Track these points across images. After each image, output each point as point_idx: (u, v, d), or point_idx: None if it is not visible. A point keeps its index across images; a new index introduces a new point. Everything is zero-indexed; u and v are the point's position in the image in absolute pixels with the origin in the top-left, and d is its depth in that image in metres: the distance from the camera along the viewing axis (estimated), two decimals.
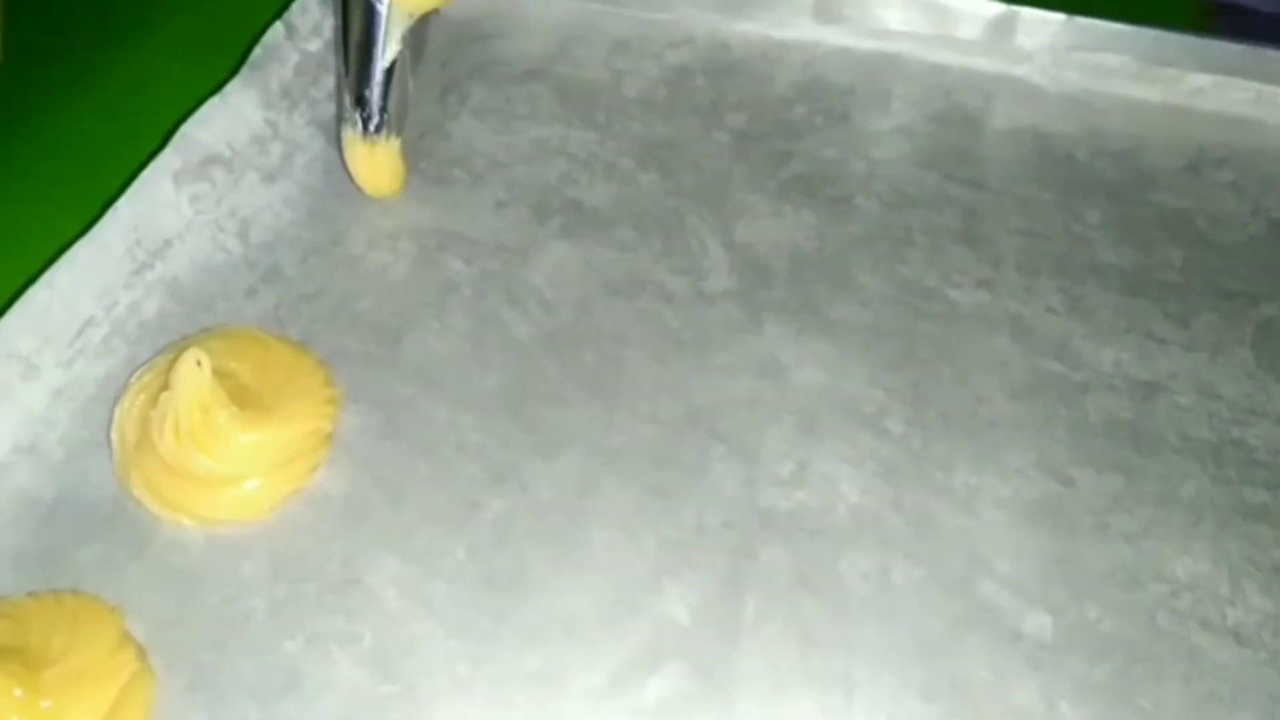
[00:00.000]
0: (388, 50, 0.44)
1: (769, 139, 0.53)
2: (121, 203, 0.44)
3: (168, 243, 0.45)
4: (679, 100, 0.55)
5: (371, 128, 0.46)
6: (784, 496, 0.40)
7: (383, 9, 0.43)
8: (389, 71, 0.44)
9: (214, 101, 0.48)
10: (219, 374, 0.38)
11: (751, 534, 0.39)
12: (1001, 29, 0.56)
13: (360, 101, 0.45)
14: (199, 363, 0.37)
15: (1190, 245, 0.49)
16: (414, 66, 0.46)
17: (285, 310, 0.45)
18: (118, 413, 0.40)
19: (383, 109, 0.45)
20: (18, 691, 0.31)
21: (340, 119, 0.47)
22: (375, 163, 0.47)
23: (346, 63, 0.45)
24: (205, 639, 0.36)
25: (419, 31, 0.44)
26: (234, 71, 0.50)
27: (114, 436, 0.39)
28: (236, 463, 0.38)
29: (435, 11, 0.45)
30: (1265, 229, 0.50)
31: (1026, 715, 0.36)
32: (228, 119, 0.49)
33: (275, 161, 0.49)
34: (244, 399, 0.39)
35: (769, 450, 0.42)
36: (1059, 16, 0.55)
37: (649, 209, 0.50)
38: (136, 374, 0.41)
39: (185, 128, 0.47)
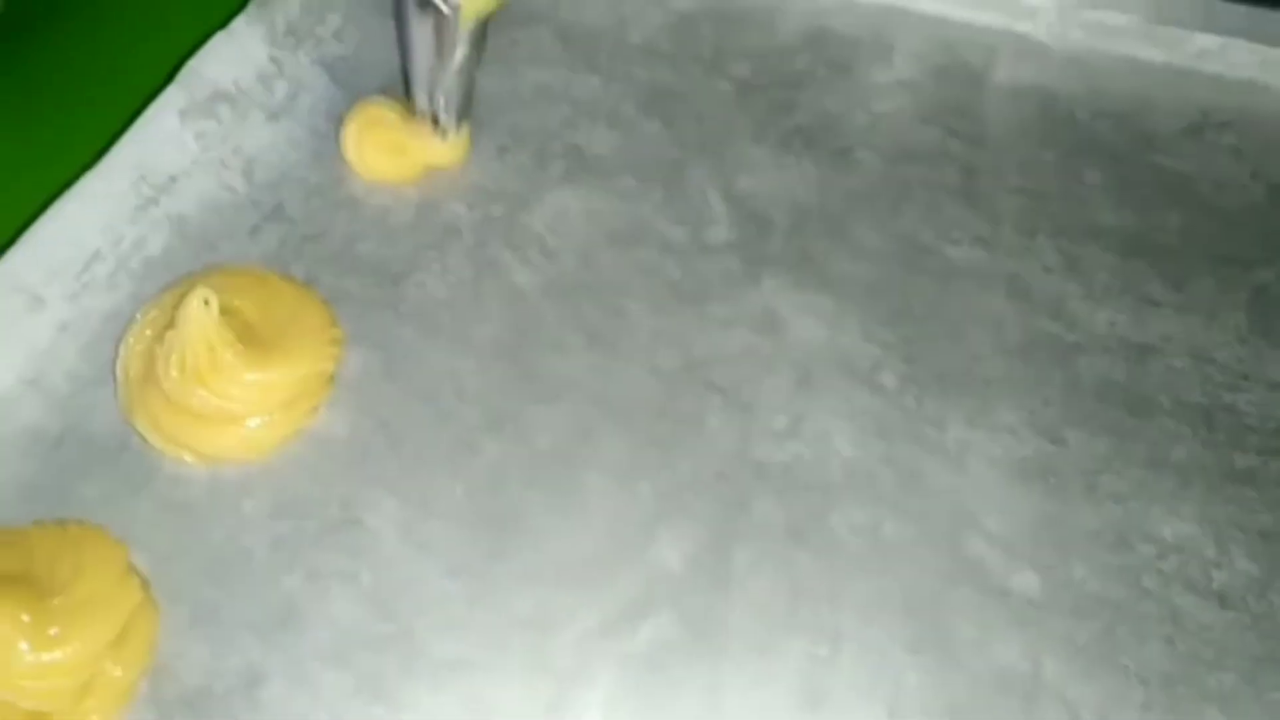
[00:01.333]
0: (457, 53, 0.43)
1: (772, 89, 0.53)
2: (127, 137, 0.44)
3: (173, 179, 0.45)
4: (683, 48, 0.54)
5: (444, 123, 0.46)
6: (778, 449, 0.41)
7: (450, 13, 0.42)
8: (459, 71, 0.44)
9: (221, 37, 0.48)
10: (225, 312, 0.38)
11: (745, 485, 0.40)
12: None
13: (431, 102, 0.45)
14: (207, 301, 0.37)
15: (1189, 209, 0.49)
16: (478, 60, 0.45)
17: (289, 250, 0.45)
18: (123, 348, 0.40)
19: (455, 108, 0.46)
20: (25, 616, 0.32)
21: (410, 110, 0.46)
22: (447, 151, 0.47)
23: (413, 67, 0.45)
24: (207, 574, 0.37)
25: (481, 28, 0.43)
26: (241, 7, 0.50)
27: (119, 372, 0.40)
28: (241, 401, 0.38)
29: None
30: (1265, 195, 0.50)
31: (1010, 671, 0.36)
32: (234, 56, 0.48)
33: (280, 100, 0.49)
34: (249, 337, 0.39)
35: (764, 403, 0.42)
36: None
37: (651, 157, 0.49)
38: (143, 310, 0.41)
39: (192, 63, 0.47)
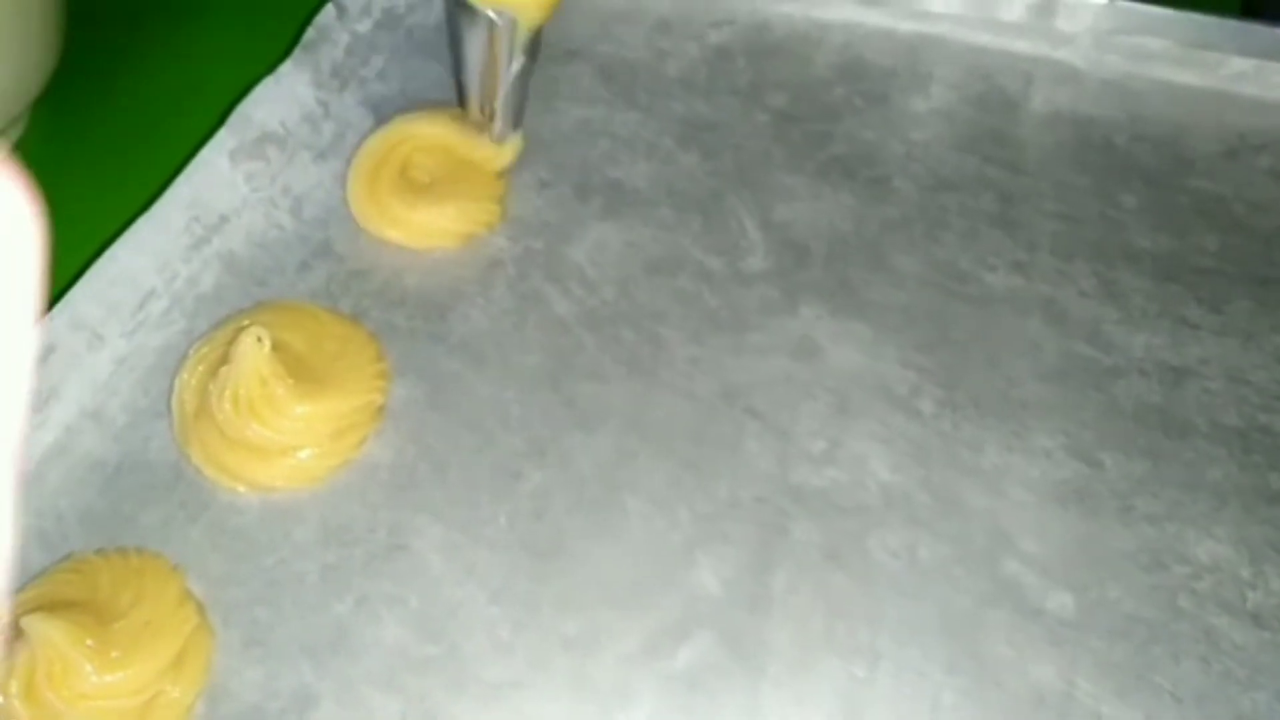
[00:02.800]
0: (513, 64, 0.45)
1: (808, 120, 0.53)
2: (180, 180, 0.45)
3: (224, 218, 0.46)
4: (720, 81, 0.55)
5: (499, 131, 0.48)
6: (815, 473, 0.41)
7: (504, 24, 0.43)
8: (515, 80, 0.46)
9: (268, 82, 0.49)
10: (275, 347, 0.39)
11: (783, 509, 0.40)
12: (1043, 12, 0.56)
13: (488, 112, 0.47)
14: (260, 339, 0.38)
15: (1226, 231, 0.49)
16: (532, 69, 0.46)
17: (336, 285, 0.46)
18: (178, 383, 0.41)
19: (511, 114, 0.47)
20: (89, 641, 0.33)
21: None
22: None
23: (467, 78, 0.46)
24: (260, 598, 0.38)
25: (535, 38, 0.45)
26: (287, 52, 0.51)
27: (174, 405, 0.41)
28: (291, 433, 0.39)
29: None
30: None
31: (1046, 690, 0.37)
32: (281, 99, 0.49)
33: (327, 140, 0.50)
34: (299, 371, 0.40)
35: (802, 428, 0.42)
36: (1100, 0, 0.55)
37: (689, 189, 0.50)
38: (195, 346, 0.42)
39: (241, 107, 0.48)
